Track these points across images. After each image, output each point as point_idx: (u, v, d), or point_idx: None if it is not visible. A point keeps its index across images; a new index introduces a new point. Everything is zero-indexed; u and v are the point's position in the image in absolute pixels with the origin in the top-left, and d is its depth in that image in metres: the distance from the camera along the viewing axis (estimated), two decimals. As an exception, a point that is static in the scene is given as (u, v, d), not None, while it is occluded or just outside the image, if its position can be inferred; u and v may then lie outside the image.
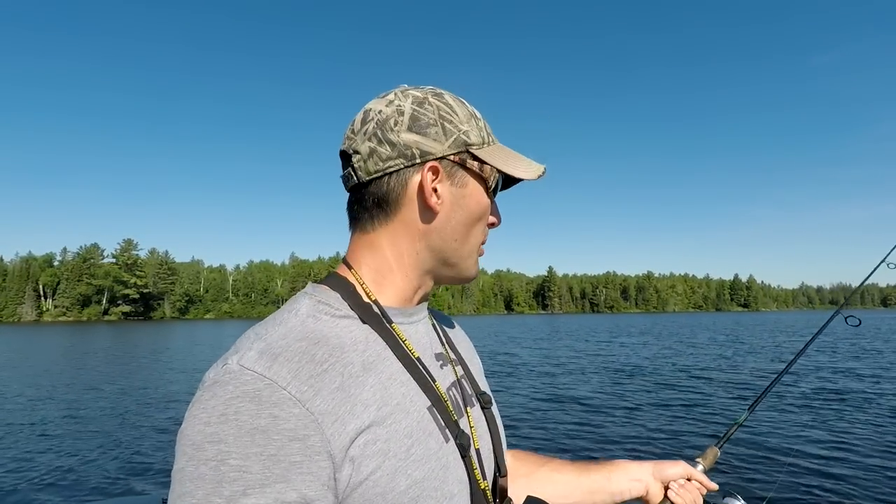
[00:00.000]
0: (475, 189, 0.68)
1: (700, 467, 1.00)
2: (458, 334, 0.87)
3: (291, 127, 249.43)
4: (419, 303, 0.73)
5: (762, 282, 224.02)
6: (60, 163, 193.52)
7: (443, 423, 0.63)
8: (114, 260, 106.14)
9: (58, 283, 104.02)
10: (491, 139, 0.70)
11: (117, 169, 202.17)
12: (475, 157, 0.67)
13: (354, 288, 0.66)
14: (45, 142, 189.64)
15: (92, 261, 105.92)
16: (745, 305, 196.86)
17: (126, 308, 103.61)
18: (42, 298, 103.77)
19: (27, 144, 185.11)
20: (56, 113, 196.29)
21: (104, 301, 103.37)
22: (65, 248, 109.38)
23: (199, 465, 0.48)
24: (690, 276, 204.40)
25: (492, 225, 0.72)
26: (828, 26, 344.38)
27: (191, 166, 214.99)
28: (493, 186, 0.69)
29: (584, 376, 13.33)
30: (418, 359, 0.65)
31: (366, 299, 0.66)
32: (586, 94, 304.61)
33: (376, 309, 0.65)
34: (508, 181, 0.74)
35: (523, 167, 0.69)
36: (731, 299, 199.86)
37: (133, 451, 6.73)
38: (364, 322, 0.63)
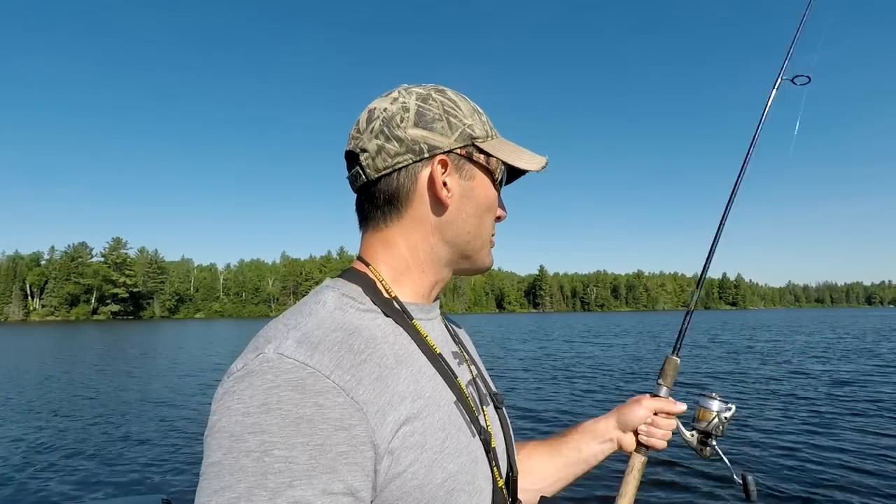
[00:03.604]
0: (482, 181, 0.69)
1: (664, 390, 0.96)
2: (465, 336, 0.87)
3: (283, 126, 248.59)
4: (434, 300, 0.74)
5: (750, 280, 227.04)
6: (48, 161, 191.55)
7: (468, 419, 0.64)
8: (102, 259, 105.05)
9: (45, 283, 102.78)
10: (493, 133, 0.72)
11: (105, 167, 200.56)
12: (481, 150, 0.69)
13: (374, 283, 0.67)
14: (33, 140, 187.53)
15: (80, 260, 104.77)
16: (734, 304, 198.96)
17: (115, 307, 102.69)
18: (29, 298, 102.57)
19: (14, 143, 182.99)
20: (44, 111, 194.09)
21: (93, 300, 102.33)
22: (52, 247, 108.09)
23: (240, 457, 0.46)
24: (680, 274, 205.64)
25: (499, 218, 0.74)
26: (817, 24, 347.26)
27: (181, 165, 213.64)
28: (499, 178, 0.71)
29: (568, 377, 13.61)
30: (440, 354, 0.66)
31: (385, 295, 0.66)
32: (576, 94, 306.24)
33: (397, 305, 0.66)
34: (511, 176, 0.76)
35: (526, 159, 0.71)
36: (720, 297, 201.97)
37: (129, 450, 6.83)
38: (387, 316, 0.64)
